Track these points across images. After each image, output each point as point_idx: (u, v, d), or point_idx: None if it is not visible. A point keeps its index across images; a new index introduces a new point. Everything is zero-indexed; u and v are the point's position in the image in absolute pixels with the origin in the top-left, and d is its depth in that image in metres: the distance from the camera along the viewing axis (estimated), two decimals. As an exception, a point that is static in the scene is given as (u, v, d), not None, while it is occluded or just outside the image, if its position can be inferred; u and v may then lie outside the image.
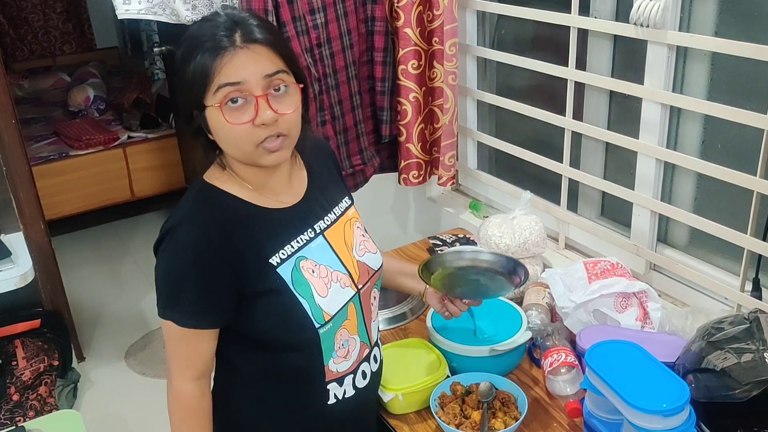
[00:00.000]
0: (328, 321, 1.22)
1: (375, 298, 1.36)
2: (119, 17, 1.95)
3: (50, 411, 2.49)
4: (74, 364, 2.95)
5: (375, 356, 1.37)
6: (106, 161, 4.06)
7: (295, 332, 1.21)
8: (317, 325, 1.20)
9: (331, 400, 1.29)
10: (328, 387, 1.28)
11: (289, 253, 1.22)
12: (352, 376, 1.30)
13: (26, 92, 5.02)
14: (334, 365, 1.27)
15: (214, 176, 1.23)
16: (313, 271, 1.23)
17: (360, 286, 1.29)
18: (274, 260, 1.20)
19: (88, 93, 4.60)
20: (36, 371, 2.64)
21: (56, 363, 2.74)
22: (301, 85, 1.19)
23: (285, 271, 1.20)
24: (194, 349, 1.21)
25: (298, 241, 1.24)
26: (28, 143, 4.02)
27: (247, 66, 1.12)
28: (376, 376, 1.39)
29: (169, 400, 1.24)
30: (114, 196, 4.13)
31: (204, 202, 1.21)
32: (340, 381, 1.28)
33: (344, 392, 1.30)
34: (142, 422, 2.71)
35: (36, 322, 2.83)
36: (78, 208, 4.02)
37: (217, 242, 1.16)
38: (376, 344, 1.39)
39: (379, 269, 1.35)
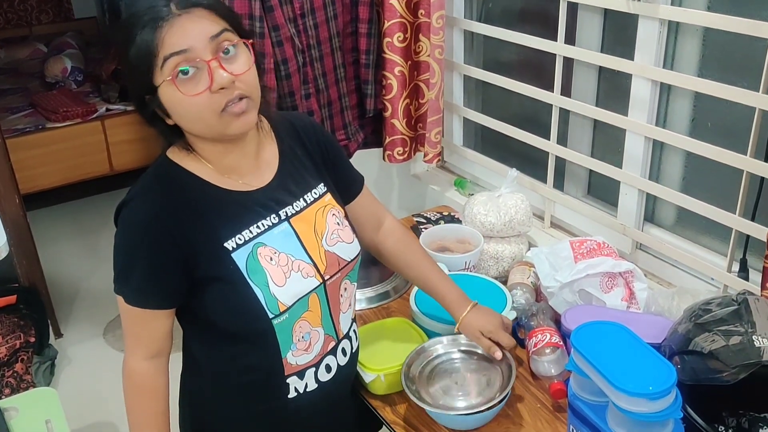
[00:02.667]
0: (284, 311, 1.17)
1: (346, 289, 1.30)
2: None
3: (27, 388, 2.46)
4: (51, 340, 2.92)
5: (344, 349, 1.32)
6: (84, 134, 3.98)
7: (248, 321, 1.16)
8: (271, 316, 1.16)
9: (292, 394, 1.25)
10: (288, 381, 1.24)
11: (247, 238, 1.17)
12: (314, 369, 1.26)
13: (1, 62, 4.91)
14: (293, 358, 1.22)
15: (177, 154, 1.19)
16: (271, 259, 1.17)
17: (327, 277, 1.24)
18: (229, 244, 1.15)
19: (65, 64, 4.50)
20: (12, 348, 2.60)
21: (33, 339, 2.70)
22: (250, 41, 1.13)
23: (240, 257, 1.15)
24: (145, 327, 1.18)
25: (258, 227, 1.19)
26: (2, 115, 3.96)
27: (190, 31, 1.06)
28: (346, 368, 1.34)
29: (123, 376, 1.23)
30: (92, 170, 4.06)
31: (159, 180, 1.17)
32: (300, 374, 1.25)
33: (305, 386, 1.26)
34: (120, 399, 2.64)
35: (11, 298, 2.79)
36: (55, 182, 3.95)
37: (167, 222, 1.12)
38: (347, 337, 1.33)
39: (353, 260, 1.29)
